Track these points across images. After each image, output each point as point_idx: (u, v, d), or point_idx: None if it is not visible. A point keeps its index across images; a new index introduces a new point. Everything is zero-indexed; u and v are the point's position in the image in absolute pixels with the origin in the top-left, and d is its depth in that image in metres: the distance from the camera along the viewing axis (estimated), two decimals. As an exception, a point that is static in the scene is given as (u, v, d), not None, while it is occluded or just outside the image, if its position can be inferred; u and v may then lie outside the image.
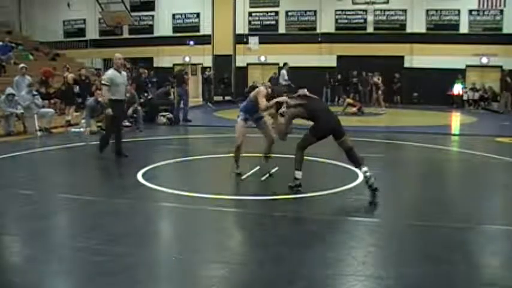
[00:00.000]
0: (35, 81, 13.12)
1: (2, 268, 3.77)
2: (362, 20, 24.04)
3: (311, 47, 23.93)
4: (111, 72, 8.15)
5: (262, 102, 6.25)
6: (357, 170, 6.37)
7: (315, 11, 24.59)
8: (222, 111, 18.50)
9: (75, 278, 3.52)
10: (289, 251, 4.00)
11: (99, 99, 10.83)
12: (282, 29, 25.09)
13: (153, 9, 26.61)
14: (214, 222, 4.97)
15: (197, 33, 25.63)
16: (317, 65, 23.61)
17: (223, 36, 23.68)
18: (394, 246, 4.16)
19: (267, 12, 25.25)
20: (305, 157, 5.95)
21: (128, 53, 23.80)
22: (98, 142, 8.46)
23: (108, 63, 16.87)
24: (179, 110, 14.18)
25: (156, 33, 26.57)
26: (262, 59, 24.97)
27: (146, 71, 16.22)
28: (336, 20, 24.34)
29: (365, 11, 23.84)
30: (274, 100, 6.25)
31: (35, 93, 11.98)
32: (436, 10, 23.06)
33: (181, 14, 26.28)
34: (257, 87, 6.95)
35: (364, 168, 5.68)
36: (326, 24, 24.37)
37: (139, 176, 6.64)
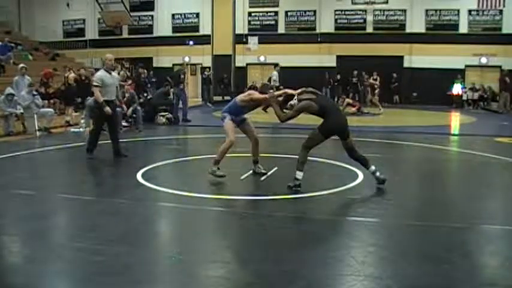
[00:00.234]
0: (35, 82, 13.11)
1: (2, 268, 3.77)
2: (361, 20, 24.06)
3: (311, 47, 23.94)
4: (101, 73, 8.14)
5: (260, 96, 6.31)
6: (357, 170, 6.38)
7: (315, 11, 24.60)
8: (222, 111, 18.43)
9: (75, 278, 3.51)
10: (289, 251, 4.00)
11: None
12: (281, 29, 25.10)
13: (152, 9, 26.61)
14: (214, 222, 4.97)
15: (197, 33, 25.65)
16: (316, 65, 23.62)
17: (222, 36, 23.68)
18: (394, 246, 4.16)
19: (267, 12, 25.25)
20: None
21: (127, 53, 23.99)
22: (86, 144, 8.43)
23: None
24: (178, 110, 14.20)
25: (156, 33, 26.56)
26: (262, 59, 24.97)
27: (146, 71, 16.21)
28: (336, 20, 24.35)
29: (364, 11, 23.85)
30: (284, 90, 6.30)
31: (35, 93, 11.98)
32: (436, 10, 23.07)
33: (180, 14, 26.27)
34: (256, 87, 6.97)
35: (372, 168, 5.97)
36: (325, 24, 24.38)
37: (139, 176, 6.64)
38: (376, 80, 18.95)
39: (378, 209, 5.30)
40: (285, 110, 6.18)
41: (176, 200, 5.53)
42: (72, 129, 12.09)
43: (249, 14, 25.35)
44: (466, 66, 22.83)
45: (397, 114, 18.64)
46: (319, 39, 24.19)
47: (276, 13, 25.12)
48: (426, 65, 22.35)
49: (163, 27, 26.40)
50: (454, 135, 12.91)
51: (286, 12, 24.96)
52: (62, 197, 5.77)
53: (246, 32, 24.77)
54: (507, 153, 9.00)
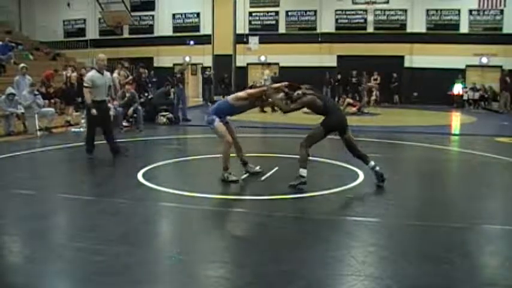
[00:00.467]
0: (36, 82, 13.12)
1: (2, 268, 3.77)
2: (362, 20, 24.04)
3: (311, 46, 23.93)
4: (92, 73, 8.14)
5: (258, 89, 6.39)
6: (357, 170, 6.37)
7: (315, 11, 24.59)
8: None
9: (75, 278, 3.51)
10: (288, 251, 4.00)
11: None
12: (282, 29, 25.09)
13: (153, 9, 26.63)
14: (214, 222, 4.97)
15: (197, 33, 25.66)
16: (317, 64, 23.60)
17: (223, 36, 23.69)
18: (394, 246, 4.15)
19: (267, 12, 25.25)
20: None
21: (128, 53, 24.00)
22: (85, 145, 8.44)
23: (108, 63, 16.84)
24: (179, 110, 14.21)
25: (156, 33, 26.58)
26: (263, 58, 24.96)
27: (146, 70, 16.21)
28: (336, 19, 24.34)
29: (365, 10, 23.84)
30: (286, 83, 6.33)
31: (36, 92, 11.98)
32: (436, 10, 23.06)
33: (181, 14, 26.28)
34: (257, 87, 6.98)
35: (372, 163, 6.05)
36: (326, 24, 24.37)
37: (139, 175, 6.64)
38: (376, 80, 18.93)
39: (378, 208, 5.31)
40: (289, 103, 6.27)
41: (176, 200, 5.53)
42: (73, 129, 12.10)
43: (250, 13, 25.34)
44: (467, 66, 22.81)
45: (398, 114, 18.64)
46: (319, 39, 24.18)
47: (277, 13, 25.12)
48: (427, 65, 22.33)
49: (163, 27, 26.41)
50: (454, 135, 12.91)
51: (287, 12, 24.96)
52: (62, 197, 5.77)
53: (247, 31, 24.76)
54: (507, 153, 9.00)
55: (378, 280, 3.42)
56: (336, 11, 24.21)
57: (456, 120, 17.44)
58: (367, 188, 6.13)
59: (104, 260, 3.70)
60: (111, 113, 11.96)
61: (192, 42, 24.96)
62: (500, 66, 21.89)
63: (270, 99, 6.62)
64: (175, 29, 26.39)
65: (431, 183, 6.89)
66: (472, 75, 22.83)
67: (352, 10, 24.04)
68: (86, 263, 3.68)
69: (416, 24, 23.26)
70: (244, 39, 23.85)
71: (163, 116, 13.78)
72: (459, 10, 22.78)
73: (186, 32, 25.73)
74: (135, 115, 12.49)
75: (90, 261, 3.69)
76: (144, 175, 6.68)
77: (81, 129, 11.68)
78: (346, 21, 24.26)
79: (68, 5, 26.38)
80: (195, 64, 25.57)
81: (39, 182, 6.60)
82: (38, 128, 11.35)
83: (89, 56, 24.77)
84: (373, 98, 18.74)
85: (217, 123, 6.37)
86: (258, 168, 6.79)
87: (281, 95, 6.38)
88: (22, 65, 13.34)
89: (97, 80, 7.96)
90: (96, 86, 7.95)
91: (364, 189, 6.09)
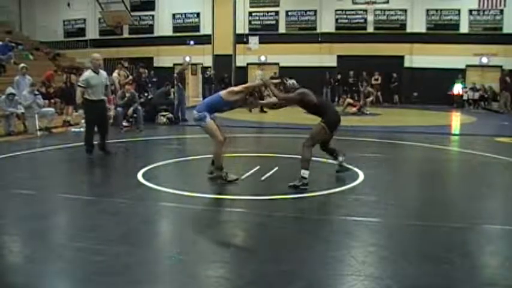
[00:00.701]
0: (36, 82, 13.12)
1: (2, 268, 3.77)
2: (362, 20, 24.03)
3: (311, 46, 23.92)
4: (87, 73, 8.20)
5: (255, 83, 6.43)
6: (357, 170, 6.36)
7: (315, 11, 24.58)
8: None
9: (75, 278, 3.51)
10: (289, 251, 4.00)
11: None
12: (282, 29, 25.08)
13: (153, 9, 26.61)
14: (214, 222, 4.97)
15: (197, 33, 25.66)
16: (317, 64, 23.59)
17: (223, 36, 23.68)
18: (394, 246, 4.15)
19: (267, 12, 25.24)
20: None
21: (127, 53, 23.98)
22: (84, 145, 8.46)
23: (108, 63, 16.86)
24: (179, 110, 14.20)
25: (156, 33, 26.56)
26: (263, 58, 24.95)
27: (146, 70, 16.21)
28: (336, 19, 24.32)
29: (365, 10, 23.84)
30: (276, 81, 6.51)
31: (36, 92, 11.98)
32: (436, 10, 23.05)
33: (181, 14, 26.27)
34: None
35: (341, 158, 6.41)
36: (326, 24, 24.37)
37: (139, 175, 6.64)
38: (377, 80, 18.88)
39: (378, 208, 5.30)
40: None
41: (177, 200, 5.53)
42: (73, 129, 12.09)
43: (250, 13, 25.33)
44: (467, 66, 22.81)
45: (398, 114, 18.64)
46: (319, 39, 24.17)
47: (277, 13, 25.11)
48: (427, 65, 22.32)
49: (163, 27, 26.40)
50: (454, 135, 12.90)
51: (287, 12, 24.95)
52: (62, 196, 5.77)
53: (247, 31, 24.75)
54: (507, 153, 8.99)
55: (378, 280, 3.42)
56: (336, 11, 24.19)
57: (456, 120, 17.43)
58: (367, 188, 6.13)
59: (104, 260, 3.70)
60: (112, 113, 12.03)
61: (192, 42, 24.96)
62: (500, 66, 21.89)
63: (261, 96, 6.68)
64: (175, 29, 26.38)
65: (431, 183, 6.89)
66: (472, 75, 22.82)
67: (352, 10, 24.03)
68: (86, 263, 3.68)
69: (416, 24, 23.26)
70: (244, 39, 23.84)
71: (163, 116, 13.78)
72: (459, 10, 22.78)
73: (186, 32, 25.73)
74: (135, 115, 12.49)
75: (90, 261, 3.69)
76: (144, 175, 6.68)
77: (81, 129, 11.63)
78: (346, 21, 24.25)
79: (68, 5, 26.37)
80: (195, 64, 25.57)
81: (39, 182, 6.60)
82: (38, 128, 11.34)
83: (89, 56, 24.80)
84: (370, 99, 18.71)
85: (208, 120, 6.24)
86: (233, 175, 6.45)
87: (277, 80, 6.52)
88: (22, 65, 13.34)
89: (92, 80, 8.00)
90: (92, 86, 7.99)
91: (364, 189, 6.09)
